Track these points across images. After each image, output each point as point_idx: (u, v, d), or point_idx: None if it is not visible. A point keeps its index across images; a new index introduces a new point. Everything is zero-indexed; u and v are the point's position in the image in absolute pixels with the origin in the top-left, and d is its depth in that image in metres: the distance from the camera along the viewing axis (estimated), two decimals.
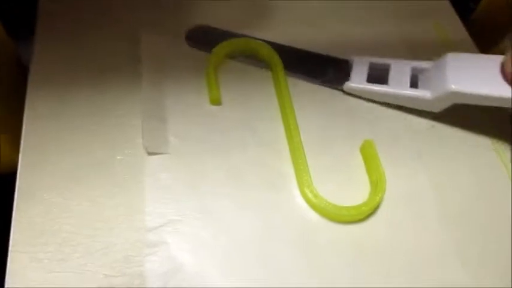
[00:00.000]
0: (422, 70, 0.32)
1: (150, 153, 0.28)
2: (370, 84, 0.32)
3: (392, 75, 0.32)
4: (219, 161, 0.29)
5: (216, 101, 0.31)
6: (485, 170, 0.30)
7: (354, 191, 0.29)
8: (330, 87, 0.33)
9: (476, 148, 0.31)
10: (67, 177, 0.27)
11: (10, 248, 0.25)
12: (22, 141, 0.28)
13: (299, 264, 0.26)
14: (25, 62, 0.34)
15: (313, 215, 0.28)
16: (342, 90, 0.32)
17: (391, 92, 0.31)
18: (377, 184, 0.28)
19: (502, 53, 0.29)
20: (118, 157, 0.28)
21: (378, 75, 0.32)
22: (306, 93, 0.32)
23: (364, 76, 0.32)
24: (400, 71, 0.32)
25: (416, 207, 0.28)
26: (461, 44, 0.37)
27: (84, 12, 0.35)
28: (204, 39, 0.34)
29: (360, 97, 0.33)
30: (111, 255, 0.25)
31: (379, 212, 0.28)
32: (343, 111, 0.32)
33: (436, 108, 0.31)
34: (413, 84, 0.31)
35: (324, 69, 0.33)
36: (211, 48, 0.33)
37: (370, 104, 0.32)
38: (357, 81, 0.32)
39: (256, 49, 0.34)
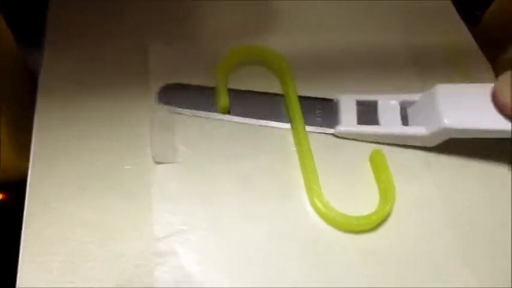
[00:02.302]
0: (410, 103, 0.31)
1: (158, 163, 0.28)
2: (361, 126, 0.31)
3: (381, 113, 0.31)
4: (227, 170, 0.29)
5: (225, 109, 0.31)
6: (494, 178, 0.30)
7: (363, 200, 0.29)
8: (319, 132, 0.31)
9: (484, 156, 0.31)
10: (76, 186, 0.27)
11: (20, 257, 0.25)
12: (32, 150, 0.28)
13: (308, 273, 0.26)
14: (33, 70, 0.34)
15: (323, 224, 0.27)
16: (333, 135, 0.31)
17: (384, 133, 0.30)
18: (386, 193, 0.28)
19: (509, 62, 0.29)
20: (126, 166, 0.28)
21: (366, 114, 0.31)
22: None
23: (354, 117, 0.31)
24: (388, 107, 0.31)
25: (425, 216, 0.28)
26: (468, 52, 0.37)
27: (93, 21, 0.35)
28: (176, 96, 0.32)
29: None
30: (121, 265, 0.25)
31: (389, 221, 0.28)
32: None
33: (432, 143, 0.30)
34: (403, 118, 0.31)
35: (310, 113, 0.31)
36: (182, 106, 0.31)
37: None
38: (348, 124, 0.31)
39: (264, 56, 0.34)
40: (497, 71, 0.35)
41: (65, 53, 0.33)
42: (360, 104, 0.31)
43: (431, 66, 0.36)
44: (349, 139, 0.31)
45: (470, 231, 0.28)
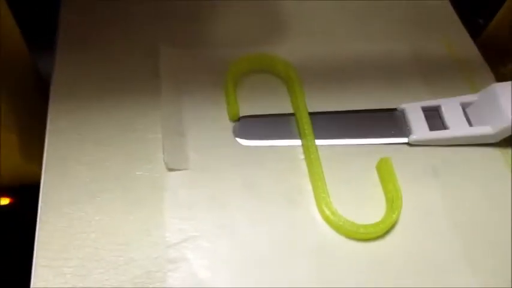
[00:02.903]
0: (469, 104, 0.33)
1: (170, 169, 0.29)
2: (433, 132, 0.32)
3: (447, 116, 0.32)
4: (237, 177, 0.29)
5: (235, 117, 0.31)
6: (500, 187, 0.31)
7: (370, 208, 0.29)
8: (392, 143, 0.32)
9: (491, 164, 0.32)
10: (88, 192, 0.28)
11: (34, 263, 0.25)
12: (45, 155, 0.29)
13: (316, 280, 0.26)
14: (44, 74, 0.35)
15: (330, 232, 0.28)
16: (407, 143, 0.32)
17: (455, 136, 0.32)
18: (393, 201, 0.29)
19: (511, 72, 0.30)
20: (138, 172, 0.29)
21: (433, 119, 0.32)
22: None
23: (425, 124, 0.32)
24: (451, 110, 0.32)
25: (432, 224, 0.29)
26: (472, 62, 0.38)
27: (105, 26, 0.35)
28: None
29: None
30: (133, 271, 0.25)
31: (396, 229, 0.28)
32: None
33: (496, 140, 0.31)
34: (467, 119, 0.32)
35: (376, 125, 0.32)
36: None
37: None
38: (420, 132, 0.32)
39: (272, 64, 0.34)
40: (501, 81, 0.36)
41: (76, 58, 0.33)
42: (425, 110, 0.33)
43: (436, 74, 0.36)
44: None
45: (477, 239, 0.28)
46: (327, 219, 0.28)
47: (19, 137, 0.35)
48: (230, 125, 0.31)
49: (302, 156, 0.31)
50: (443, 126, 0.32)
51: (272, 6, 0.39)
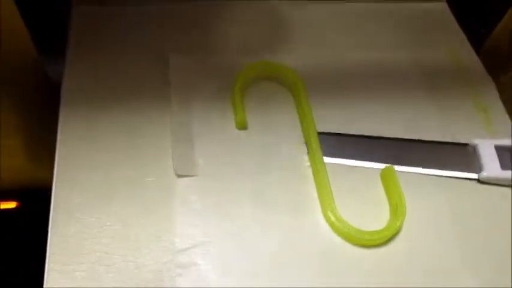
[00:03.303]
0: None
1: (179, 176, 0.29)
2: (505, 171, 0.31)
3: None
4: (245, 184, 0.30)
5: (242, 125, 0.32)
6: (503, 192, 0.32)
7: (374, 215, 0.30)
8: (462, 178, 0.32)
9: None
10: (99, 197, 0.28)
11: (47, 267, 0.26)
12: (56, 161, 0.29)
13: (322, 285, 0.27)
14: (55, 81, 0.35)
15: (336, 238, 0.29)
16: (477, 180, 0.32)
17: None
18: (397, 209, 0.29)
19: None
20: (148, 178, 0.29)
21: (506, 158, 0.32)
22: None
23: (497, 163, 0.32)
24: None
25: (435, 231, 0.29)
26: (473, 70, 0.38)
27: (115, 34, 0.36)
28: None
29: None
30: (143, 275, 0.26)
31: (400, 235, 0.29)
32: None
33: None
34: None
35: (449, 157, 0.32)
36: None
37: None
38: (492, 170, 0.31)
39: (278, 72, 0.35)
40: (502, 91, 0.37)
41: (87, 65, 0.33)
42: (498, 148, 0.32)
43: (438, 82, 0.37)
44: None
45: (479, 246, 0.29)
46: (332, 225, 0.29)
47: (26, 141, 0.36)
48: (238, 133, 0.32)
49: (308, 164, 0.31)
50: None
51: (278, 15, 0.39)
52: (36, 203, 0.32)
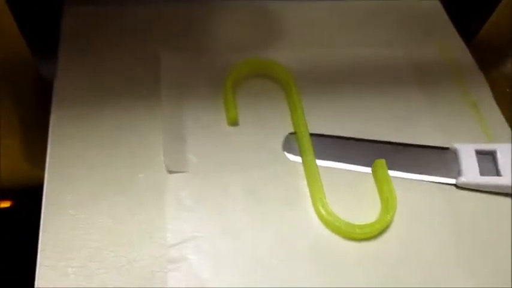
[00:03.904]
0: None
1: (170, 172, 0.29)
2: (484, 177, 0.31)
3: (501, 163, 0.31)
4: (236, 179, 0.30)
5: (233, 121, 0.32)
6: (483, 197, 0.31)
7: (365, 208, 0.30)
8: (439, 182, 0.31)
9: None
10: (91, 194, 0.28)
11: (38, 263, 0.26)
12: (48, 158, 0.29)
13: (314, 279, 0.27)
14: (47, 79, 0.35)
15: (327, 232, 0.29)
16: (454, 185, 0.31)
17: (508, 184, 0.30)
18: (388, 203, 0.29)
19: (504, 76, 0.30)
20: (140, 175, 0.29)
21: (486, 163, 0.31)
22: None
23: (476, 169, 0.31)
24: (507, 156, 0.31)
25: (426, 224, 0.30)
26: (465, 66, 0.39)
27: (106, 32, 0.36)
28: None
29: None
30: (135, 271, 0.26)
31: (391, 228, 0.29)
32: (355, 132, 0.33)
33: None
34: None
35: (427, 162, 0.32)
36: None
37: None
38: (471, 175, 0.31)
39: (270, 69, 0.35)
40: (493, 86, 0.37)
41: (78, 63, 0.34)
42: (478, 152, 0.32)
43: (430, 78, 0.37)
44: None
45: (471, 238, 0.29)
46: (323, 219, 0.29)
47: (21, 141, 0.36)
48: (229, 129, 0.32)
49: (299, 159, 0.31)
50: (496, 172, 0.31)
51: (270, 12, 0.39)
52: (31, 202, 0.32)
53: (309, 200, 0.30)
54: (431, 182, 0.31)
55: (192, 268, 0.26)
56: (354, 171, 0.31)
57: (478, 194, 0.31)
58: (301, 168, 0.31)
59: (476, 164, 0.31)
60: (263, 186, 0.30)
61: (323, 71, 0.36)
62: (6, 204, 0.41)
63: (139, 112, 0.32)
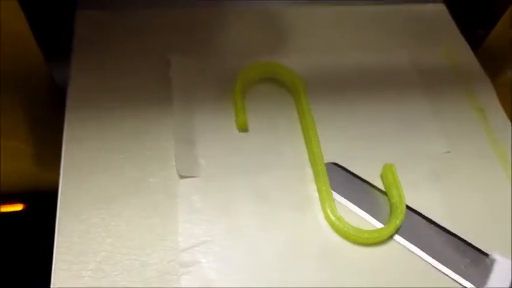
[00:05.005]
0: None
1: (182, 177, 0.30)
2: None
3: None
4: (246, 184, 0.30)
5: (243, 126, 0.32)
6: (499, 193, 0.32)
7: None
8: (459, 282, 0.29)
9: (491, 172, 0.33)
10: (104, 198, 0.29)
11: (53, 267, 0.26)
12: (62, 163, 0.30)
13: (322, 283, 0.27)
14: (60, 84, 0.36)
15: (335, 237, 0.29)
16: None
17: None
18: (397, 208, 0.30)
19: (510, 82, 0.30)
20: (152, 179, 0.30)
21: None
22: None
23: (507, 284, 0.29)
24: None
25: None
26: (471, 71, 0.39)
27: (118, 37, 0.36)
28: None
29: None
30: (148, 274, 0.27)
31: (399, 233, 0.30)
32: (365, 135, 0.34)
33: None
34: None
35: (460, 258, 0.30)
36: None
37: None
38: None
39: (278, 73, 0.35)
40: (499, 92, 0.37)
41: (91, 67, 0.34)
42: None
43: (436, 84, 0.38)
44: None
45: (477, 243, 0.30)
46: (332, 224, 0.29)
47: (35, 145, 0.36)
48: (239, 134, 0.33)
49: (308, 163, 0.32)
50: None
51: (279, 17, 0.40)
52: (42, 204, 0.32)
53: (318, 205, 0.30)
54: (453, 279, 0.29)
55: (203, 271, 0.27)
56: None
57: (481, 197, 0.32)
58: (311, 173, 0.31)
59: (509, 281, 0.29)
60: (273, 190, 0.30)
61: (331, 75, 0.37)
62: (18, 207, 0.41)
63: (152, 116, 0.32)
